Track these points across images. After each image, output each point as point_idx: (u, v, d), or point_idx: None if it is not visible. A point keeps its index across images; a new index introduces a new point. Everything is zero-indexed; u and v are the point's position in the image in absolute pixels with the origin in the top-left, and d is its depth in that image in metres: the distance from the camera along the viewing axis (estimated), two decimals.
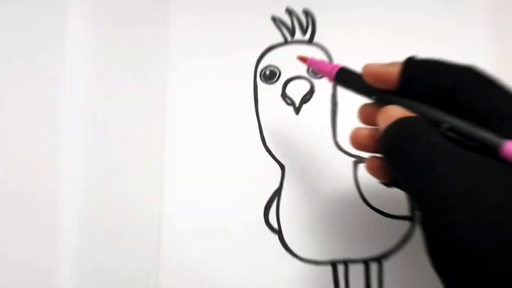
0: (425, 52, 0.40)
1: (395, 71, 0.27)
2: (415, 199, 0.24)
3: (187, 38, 0.41)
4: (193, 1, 0.42)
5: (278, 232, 0.38)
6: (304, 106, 0.40)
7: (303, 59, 0.33)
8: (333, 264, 0.37)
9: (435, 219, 0.23)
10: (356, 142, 0.31)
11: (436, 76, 0.26)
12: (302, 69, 0.40)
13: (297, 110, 0.40)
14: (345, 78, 0.31)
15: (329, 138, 0.39)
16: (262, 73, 0.41)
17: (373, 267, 0.37)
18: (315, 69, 0.33)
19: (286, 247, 0.38)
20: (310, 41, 0.41)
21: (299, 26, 0.41)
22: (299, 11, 0.42)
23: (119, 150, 0.40)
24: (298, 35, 0.41)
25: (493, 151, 0.23)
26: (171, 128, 0.40)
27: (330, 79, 0.31)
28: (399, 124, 0.25)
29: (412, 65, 0.27)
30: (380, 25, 0.41)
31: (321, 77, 0.40)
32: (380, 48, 0.41)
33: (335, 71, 0.31)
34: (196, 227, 0.38)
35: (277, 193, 0.39)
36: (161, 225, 0.38)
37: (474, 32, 0.41)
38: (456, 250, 0.22)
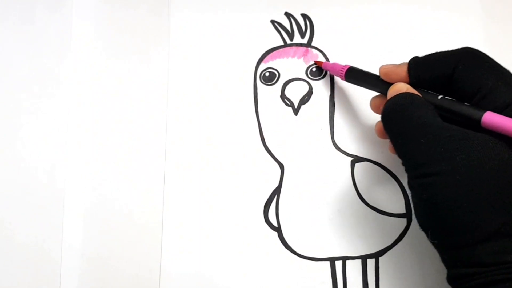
0: (420, 51, 0.41)
1: (404, 70, 0.32)
2: (403, 163, 0.29)
3: (188, 41, 0.42)
4: (194, 4, 0.43)
5: (278, 230, 0.39)
6: (303, 107, 0.41)
7: (319, 62, 0.41)
8: (331, 261, 0.38)
9: (418, 181, 0.27)
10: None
11: (437, 67, 0.30)
12: (300, 71, 0.41)
13: (296, 111, 0.41)
14: (354, 75, 0.37)
15: (327, 138, 0.40)
16: (262, 74, 0.41)
17: (370, 263, 0.38)
18: (329, 70, 0.39)
19: (285, 244, 0.38)
20: (309, 44, 0.42)
21: (297, 29, 0.42)
22: (297, 15, 0.43)
23: (122, 149, 0.40)
24: (296, 38, 0.42)
25: (477, 123, 0.27)
26: (172, 128, 0.40)
27: (341, 77, 0.37)
28: (396, 98, 0.30)
29: (415, 63, 0.31)
30: (376, 28, 0.42)
31: (319, 79, 0.41)
32: (376, 50, 0.42)
33: (344, 70, 0.37)
34: (197, 224, 0.39)
35: (276, 192, 0.39)
36: (164, 222, 0.39)
37: (468, 25, 0.42)
38: (435, 207, 0.27)
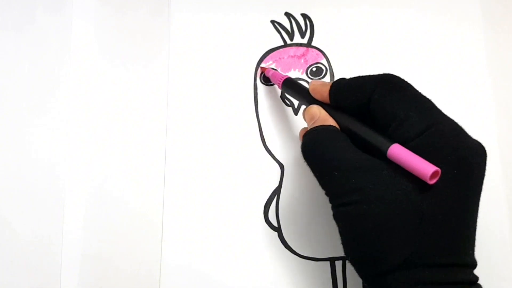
0: (419, 51, 0.41)
1: (327, 90, 0.32)
2: (325, 193, 0.30)
3: (188, 41, 0.42)
4: (194, 5, 0.43)
5: (278, 230, 0.39)
6: (303, 107, 0.40)
7: (263, 68, 0.41)
8: (331, 261, 0.38)
9: (335, 210, 0.29)
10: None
11: (355, 93, 0.30)
12: (300, 71, 0.41)
13: (296, 111, 0.41)
14: (289, 86, 0.37)
15: None
16: (262, 75, 0.41)
17: None
18: (270, 78, 0.40)
19: (286, 244, 0.38)
20: (309, 44, 0.42)
21: (297, 30, 0.42)
22: (297, 15, 0.43)
23: (122, 149, 0.40)
24: (297, 38, 0.42)
25: (384, 154, 0.27)
26: (173, 128, 0.40)
27: (278, 86, 0.38)
28: (310, 135, 0.31)
29: (337, 85, 0.31)
30: (376, 28, 0.42)
31: (319, 79, 0.41)
32: (376, 50, 0.42)
33: (283, 79, 0.37)
34: (197, 225, 0.39)
35: (276, 192, 0.39)
36: (164, 222, 0.39)
37: (467, 26, 0.42)
38: (350, 236, 0.28)
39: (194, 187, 0.39)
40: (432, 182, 0.25)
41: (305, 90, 0.35)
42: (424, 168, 0.25)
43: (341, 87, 0.31)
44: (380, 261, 0.26)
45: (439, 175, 0.26)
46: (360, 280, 0.37)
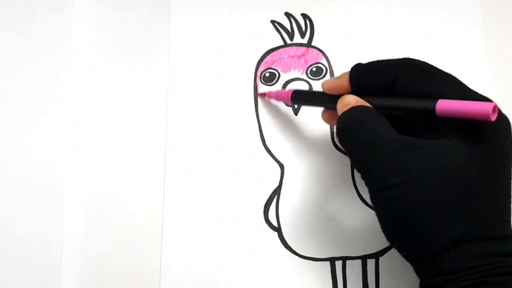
0: (419, 51, 0.41)
1: (346, 79, 0.31)
2: (362, 177, 0.29)
3: (188, 41, 0.42)
4: (194, 5, 0.43)
5: (278, 230, 0.39)
6: (303, 107, 0.41)
7: (262, 94, 0.40)
8: (331, 261, 0.38)
9: (378, 194, 0.27)
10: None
11: (378, 75, 0.30)
12: (300, 71, 0.41)
13: (296, 111, 0.41)
14: (300, 97, 0.37)
15: (327, 138, 0.40)
16: (262, 75, 0.41)
17: (370, 263, 0.38)
18: (275, 99, 0.39)
19: (286, 244, 0.38)
20: (309, 44, 0.42)
21: (297, 29, 0.42)
22: (297, 15, 0.43)
23: (122, 149, 0.40)
24: (297, 38, 0.42)
25: (432, 114, 0.27)
26: (173, 128, 0.40)
27: (288, 101, 0.37)
28: (349, 113, 0.29)
29: (357, 71, 0.31)
30: (376, 28, 0.42)
31: (319, 79, 0.41)
32: (376, 50, 0.42)
33: (290, 94, 0.37)
34: (197, 225, 0.39)
35: (276, 192, 0.39)
36: (164, 222, 0.39)
37: (467, 25, 0.42)
38: (397, 220, 0.27)
39: (194, 187, 0.39)
40: (494, 118, 0.25)
41: (319, 93, 0.34)
42: (484, 106, 0.25)
43: (362, 69, 0.31)
44: (434, 241, 0.26)
45: (497, 111, 0.25)
46: (358, 281, 0.38)
